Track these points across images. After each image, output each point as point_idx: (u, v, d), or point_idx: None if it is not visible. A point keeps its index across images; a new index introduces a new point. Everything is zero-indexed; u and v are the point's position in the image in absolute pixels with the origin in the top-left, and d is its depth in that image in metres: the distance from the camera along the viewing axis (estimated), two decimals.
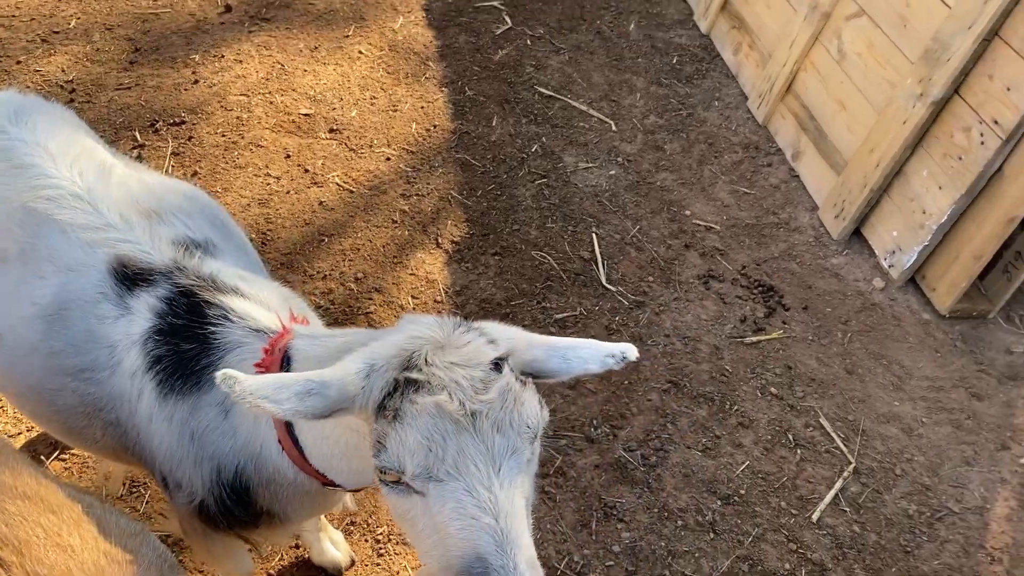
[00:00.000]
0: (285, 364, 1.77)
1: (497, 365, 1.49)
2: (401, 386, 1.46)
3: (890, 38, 4.05)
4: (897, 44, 4.00)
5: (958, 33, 3.62)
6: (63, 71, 4.70)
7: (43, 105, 2.34)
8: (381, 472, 1.47)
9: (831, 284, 4.07)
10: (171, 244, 1.99)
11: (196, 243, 2.04)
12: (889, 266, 4.08)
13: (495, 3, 5.69)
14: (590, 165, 4.58)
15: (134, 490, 3.02)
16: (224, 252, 2.11)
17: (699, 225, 4.31)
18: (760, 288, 4.01)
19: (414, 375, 1.45)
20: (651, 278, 4.01)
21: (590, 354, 1.60)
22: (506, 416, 1.44)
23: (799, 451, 3.37)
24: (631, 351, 1.62)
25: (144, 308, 1.90)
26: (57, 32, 4.97)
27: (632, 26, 5.60)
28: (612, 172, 4.55)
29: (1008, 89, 3.48)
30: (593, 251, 4.10)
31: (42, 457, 3.04)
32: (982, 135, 3.60)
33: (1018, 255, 3.82)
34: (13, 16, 5.06)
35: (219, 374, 1.37)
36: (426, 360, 1.47)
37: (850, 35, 4.31)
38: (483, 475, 1.40)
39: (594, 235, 4.19)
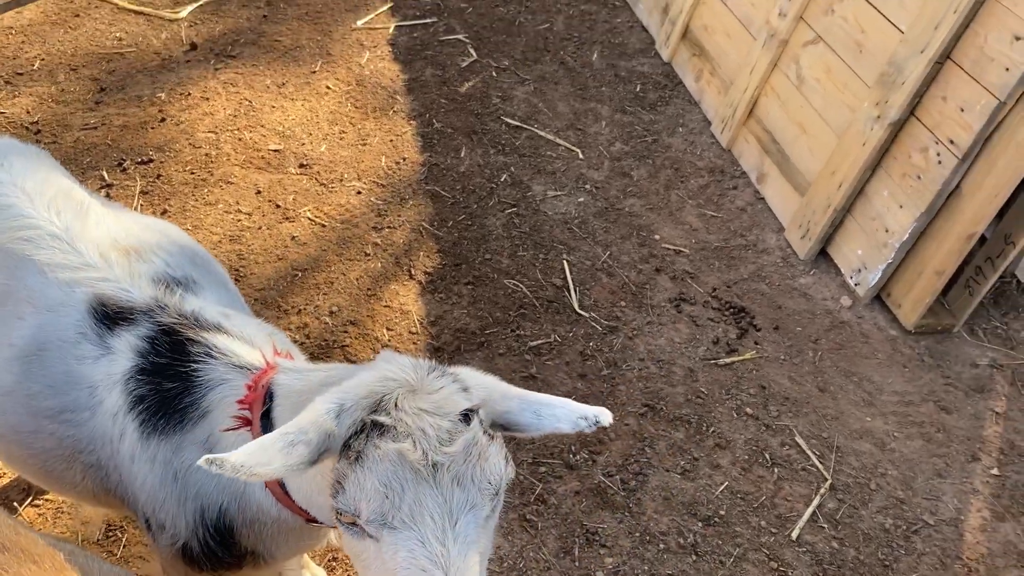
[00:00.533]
0: (268, 400, 1.77)
1: (467, 416, 1.49)
2: (367, 428, 1.45)
3: (847, 63, 4.16)
4: (854, 68, 4.12)
5: (912, 57, 3.74)
6: (28, 112, 4.66)
7: (19, 146, 2.33)
8: (338, 513, 1.47)
9: (800, 304, 4.14)
10: (151, 282, 1.99)
11: (177, 280, 2.04)
12: (855, 284, 4.16)
13: (460, 36, 5.76)
14: (559, 193, 4.64)
15: (111, 534, 2.98)
16: (205, 289, 2.11)
17: (669, 249, 4.37)
18: (731, 310, 4.07)
19: (381, 418, 1.45)
20: (623, 303, 4.05)
21: (563, 413, 1.60)
22: (468, 470, 1.44)
23: (776, 470, 3.41)
24: (605, 416, 1.62)
25: (125, 347, 1.89)
26: (21, 74, 4.94)
27: (595, 56, 5.70)
28: (581, 199, 4.61)
29: (962, 109, 3.60)
30: (565, 278, 4.14)
31: (15, 504, 2.99)
32: (939, 155, 3.71)
33: (978, 270, 3.92)
34: None
35: (203, 460, 1.35)
36: (396, 404, 1.47)
37: (808, 61, 4.43)
38: (438, 528, 1.40)
39: (565, 262, 4.23)
